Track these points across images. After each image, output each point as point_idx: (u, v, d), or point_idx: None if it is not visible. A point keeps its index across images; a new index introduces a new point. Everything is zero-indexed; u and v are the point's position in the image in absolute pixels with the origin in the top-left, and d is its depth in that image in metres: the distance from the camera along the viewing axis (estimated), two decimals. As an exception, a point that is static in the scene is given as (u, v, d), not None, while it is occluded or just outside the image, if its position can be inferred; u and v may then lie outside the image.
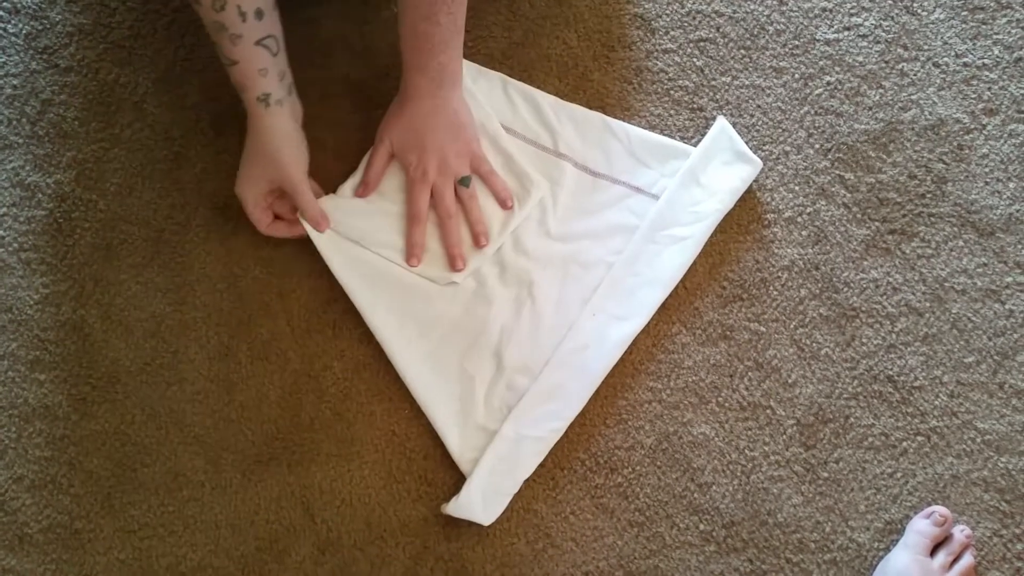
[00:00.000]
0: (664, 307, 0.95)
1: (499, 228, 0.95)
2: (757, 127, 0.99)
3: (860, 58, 1.00)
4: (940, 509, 0.90)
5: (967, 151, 0.98)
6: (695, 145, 0.97)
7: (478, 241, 0.95)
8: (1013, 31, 1.00)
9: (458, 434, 0.92)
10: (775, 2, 1.00)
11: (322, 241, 0.94)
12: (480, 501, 0.90)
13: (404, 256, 0.95)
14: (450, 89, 0.92)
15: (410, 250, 0.94)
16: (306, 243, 0.95)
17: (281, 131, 0.88)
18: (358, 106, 0.99)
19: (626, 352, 0.94)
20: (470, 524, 0.91)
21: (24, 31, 1.00)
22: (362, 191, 0.95)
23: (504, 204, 0.95)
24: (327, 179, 0.96)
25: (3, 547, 0.92)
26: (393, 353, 0.93)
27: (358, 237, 0.94)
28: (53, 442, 0.94)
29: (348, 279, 0.94)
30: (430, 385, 0.93)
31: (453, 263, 0.94)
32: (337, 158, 0.97)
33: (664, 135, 0.98)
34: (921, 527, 0.90)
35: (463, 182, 0.94)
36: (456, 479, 0.92)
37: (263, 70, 0.84)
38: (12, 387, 0.95)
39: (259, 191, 0.91)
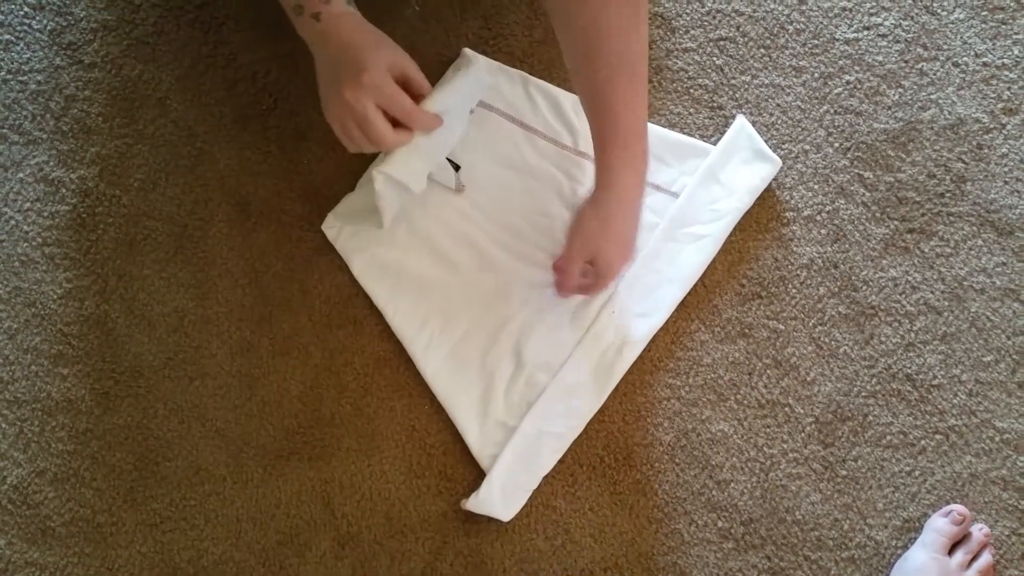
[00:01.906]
0: (683, 304, 0.95)
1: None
2: (776, 126, 0.99)
3: (880, 57, 1.00)
4: (958, 508, 0.91)
5: (986, 151, 0.98)
6: (714, 143, 0.98)
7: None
8: (1033, 31, 1.00)
9: (478, 431, 0.93)
10: (795, 1, 1.01)
11: (342, 243, 0.95)
12: (500, 497, 0.91)
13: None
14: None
15: None
16: (326, 240, 0.96)
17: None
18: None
19: (645, 349, 0.94)
20: (489, 520, 0.91)
21: (48, 27, 1.01)
22: None
23: None
24: (343, 175, 0.97)
25: (26, 540, 0.93)
26: (413, 352, 0.94)
27: (418, 169, 0.91)
28: (76, 436, 0.94)
29: (368, 280, 0.95)
30: (450, 382, 0.93)
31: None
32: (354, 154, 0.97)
33: (684, 133, 0.98)
34: (939, 526, 0.90)
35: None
36: (476, 475, 0.92)
37: None
38: (35, 381, 0.95)
39: (387, 76, 0.82)
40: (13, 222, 0.98)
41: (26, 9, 1.01)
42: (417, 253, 0.96)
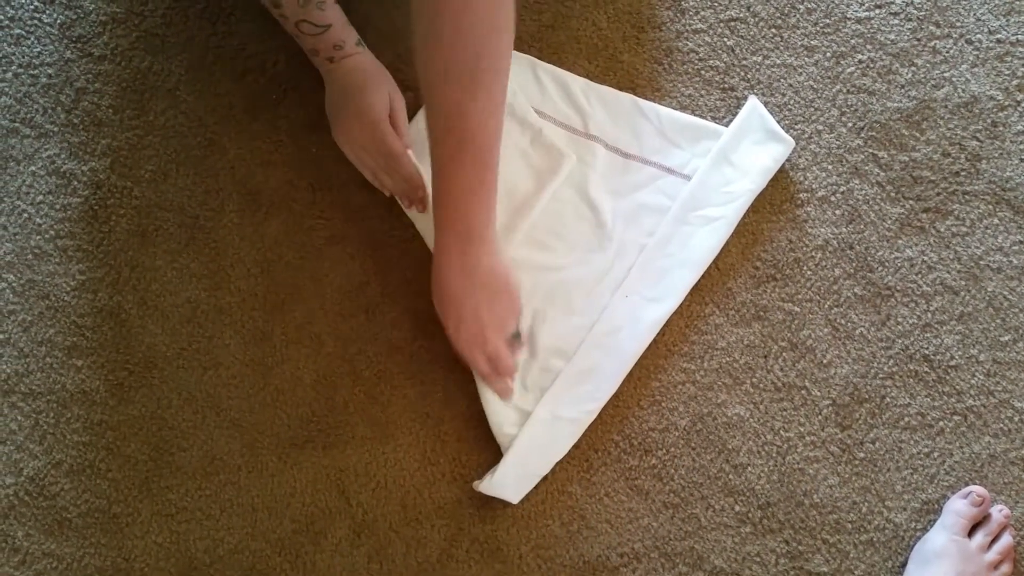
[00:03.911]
0: (697, 288, 0.94)
1: (528, 198, 0.96)
2: (789, 106, 0.98)
3: (892, 36, 0.99)
4: (978, 489, 0.90)
5: (1001, 128, 0.97)
6: (726, 125, 0.97)
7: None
8: (1047, 7, 0.99)
9: (498, 403, 0.92)
10: (805, -19, 1.00)
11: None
12: (513, 481, 0.90)
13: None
14: (479, 245, 0.85)
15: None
16: (337, 229, 0.96)
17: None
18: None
19: (659, 334, 0.94)
20: (505, 505, 0.91)
21: (59, 20, 1.01)
22: None
23: None
24: (353, 165, 0.96)
25: (42, 531, 0.93)
26: None
27: None
28: (91, 427, 0.95)
29: None
30: None
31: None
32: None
33: (695, 115, 0.98)
34: (959, 507, 0.89)
35: (514, 336, 0.91)
36: (490, 461, 0.92)
37: (346, 21, 0.91)
38: (50, 373, 0.95)
39: (384, 114, 0.92)
40: (26, 215, 0.98)
41: (36, 3, 1.01)
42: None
